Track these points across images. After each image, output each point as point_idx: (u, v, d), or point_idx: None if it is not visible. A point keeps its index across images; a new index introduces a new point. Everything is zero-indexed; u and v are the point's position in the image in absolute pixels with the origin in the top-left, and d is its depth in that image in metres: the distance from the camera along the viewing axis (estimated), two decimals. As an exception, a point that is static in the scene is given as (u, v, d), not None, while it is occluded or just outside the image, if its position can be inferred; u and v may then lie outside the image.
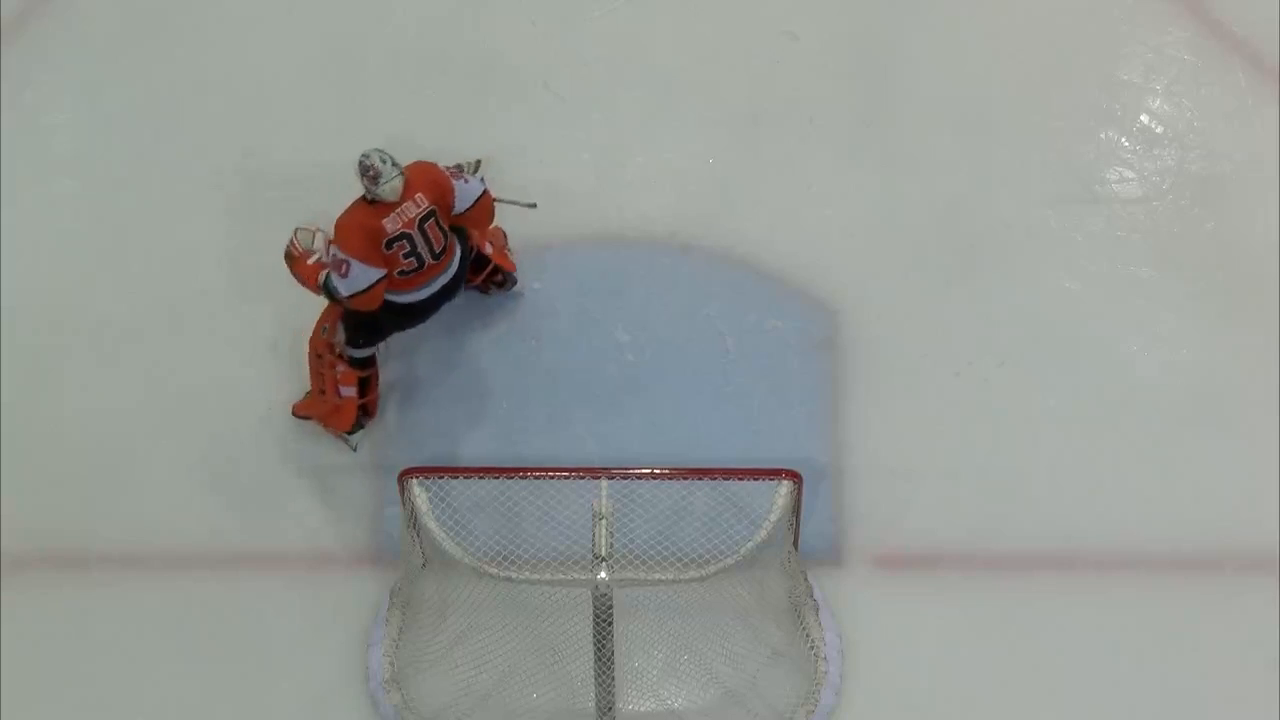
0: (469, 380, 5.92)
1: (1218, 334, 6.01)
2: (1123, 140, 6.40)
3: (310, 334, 5.71)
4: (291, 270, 5.52)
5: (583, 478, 5.21)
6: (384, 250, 5.32)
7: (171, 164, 6.30)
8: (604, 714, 5.12)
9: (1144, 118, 6.45)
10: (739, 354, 5.97)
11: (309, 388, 5.82)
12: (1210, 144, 6.39)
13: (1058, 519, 5.71)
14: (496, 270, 5.97)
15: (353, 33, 6.72)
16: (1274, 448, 5.76)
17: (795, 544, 5.48)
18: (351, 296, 5.36)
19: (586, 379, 5.92)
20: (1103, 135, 6.41)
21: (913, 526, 5.71)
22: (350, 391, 5.75)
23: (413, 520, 5.28)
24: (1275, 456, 5.75)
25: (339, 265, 5.31)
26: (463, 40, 6.61)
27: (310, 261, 5.47)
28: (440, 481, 5.30)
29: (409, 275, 5.43)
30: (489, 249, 5.90)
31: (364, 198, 5.32)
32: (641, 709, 5.39)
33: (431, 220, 5.38)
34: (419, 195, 5.34)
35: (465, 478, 5.36)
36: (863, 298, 6.06)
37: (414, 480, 5.23)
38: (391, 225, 5.31)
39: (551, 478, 5.28)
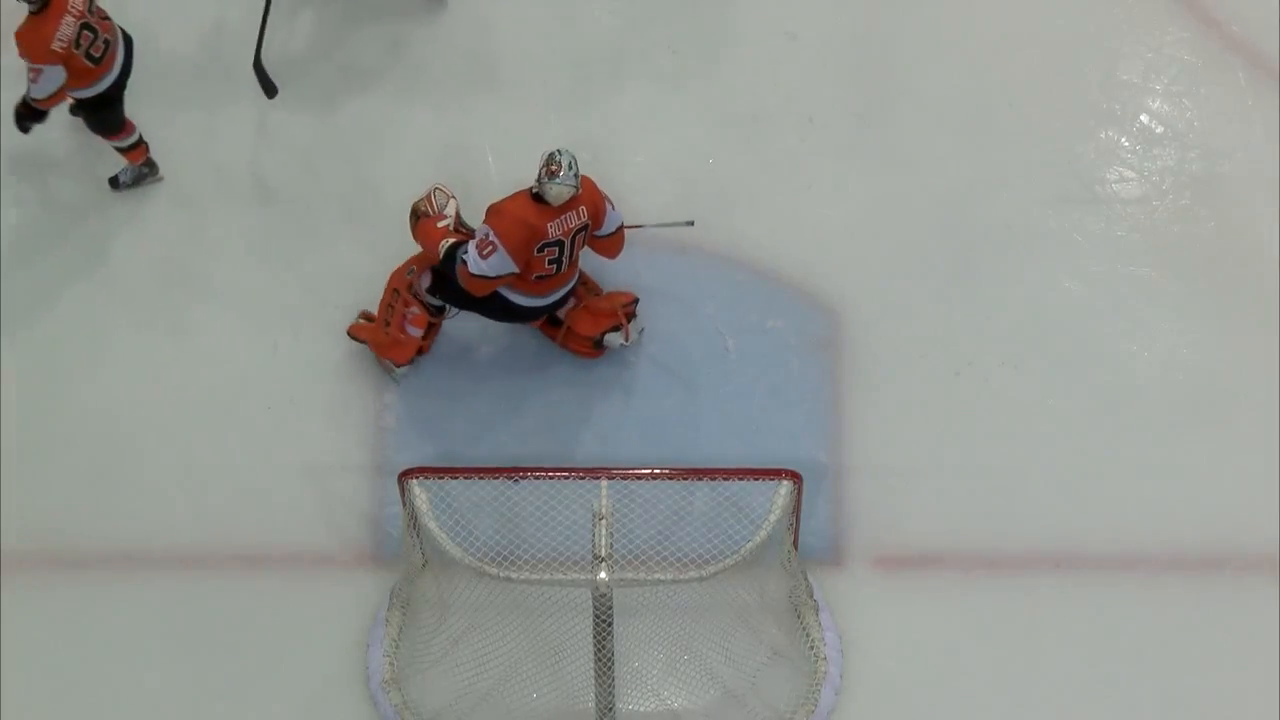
0: (469, 380, 5.91)
1: (1217, 334, 6.01)
2: (1123, 140, 6.39)
3: (395, 268, 5.74)
4: (414, 226, 5.61)
5: (583, 478, 5.21)
6: (535, 251, 5.36)
7: (172, 162, 6.29)
8: (604, 714, 5.12)
9: (1144, 118, 6.44)
10: (739, 354, 5.97)
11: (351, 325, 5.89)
12: (1210, 144, 6.38)
13: (1058, 519, 5.71)
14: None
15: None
16: (1274, 448, 5.76)
17: (795, 544, 5.48)
18: (475, 277, 5.36)
19: (587, 378, 5.92)
20: (1103, 135, 6.40)
21: (913, 526, 5.71)
22: (416, 332, 5.78)
23: (413, 520, 5.29)
24: (1275, 456, 5.75)
25: (485, 245, 5.30)
26: (462, 41, 6.60)
27: (439, 225, 5.53)
28: (440, 482, 5.30)
29: (542, 280, 5.48)
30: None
31: (531, 193, 5.32)
32: (641, 709, 5.39)
33: (582, 234, 5.45)
34: (582, 208, 5.38)
35: (465, 478, 5.36)
36: (863, 298, 6.05)
37: (414, 480, 5.23)
38: (554, 230, 5.35)
39: (551, 478, 5.28)
